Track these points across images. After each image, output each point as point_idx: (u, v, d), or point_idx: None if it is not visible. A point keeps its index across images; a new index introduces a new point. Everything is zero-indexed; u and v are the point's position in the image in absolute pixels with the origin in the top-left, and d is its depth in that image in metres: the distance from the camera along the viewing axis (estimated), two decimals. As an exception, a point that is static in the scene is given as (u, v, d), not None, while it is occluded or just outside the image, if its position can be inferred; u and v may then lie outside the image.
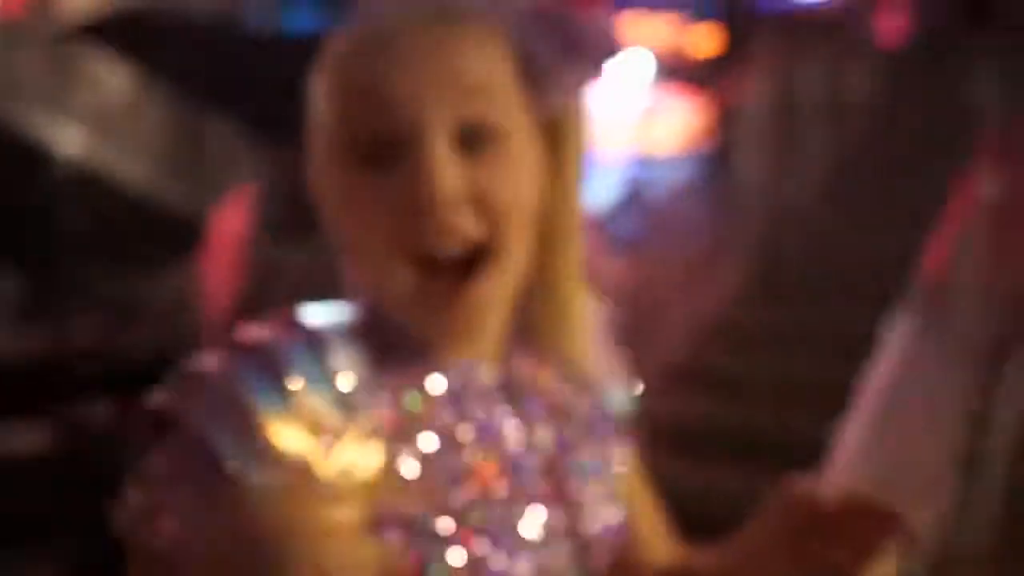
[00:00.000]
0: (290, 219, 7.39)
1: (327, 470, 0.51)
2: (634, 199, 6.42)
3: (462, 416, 0.60)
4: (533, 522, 0.60)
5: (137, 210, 7.54)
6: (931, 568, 2.29)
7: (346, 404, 0.53)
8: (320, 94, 0.59)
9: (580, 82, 0.62)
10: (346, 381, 0.53)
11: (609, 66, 0.61)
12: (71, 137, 7.36)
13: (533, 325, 0.66)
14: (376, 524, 0.54)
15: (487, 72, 0.58)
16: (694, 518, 0.96)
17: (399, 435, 0.57)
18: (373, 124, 0.56)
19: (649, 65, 7.46)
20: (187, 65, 8.04)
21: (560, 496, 0.63)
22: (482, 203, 0.56)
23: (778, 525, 0.62)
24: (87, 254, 6.69)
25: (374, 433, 0.53)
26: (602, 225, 6.09)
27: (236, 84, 8.37)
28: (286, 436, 0.50)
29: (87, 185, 7.25)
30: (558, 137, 0.63)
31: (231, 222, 7.19)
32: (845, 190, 4.92)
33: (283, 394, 0.51)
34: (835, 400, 2.88)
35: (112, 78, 7.78)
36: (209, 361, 0.53)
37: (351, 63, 0.58)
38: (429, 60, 0.56)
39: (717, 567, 0.70)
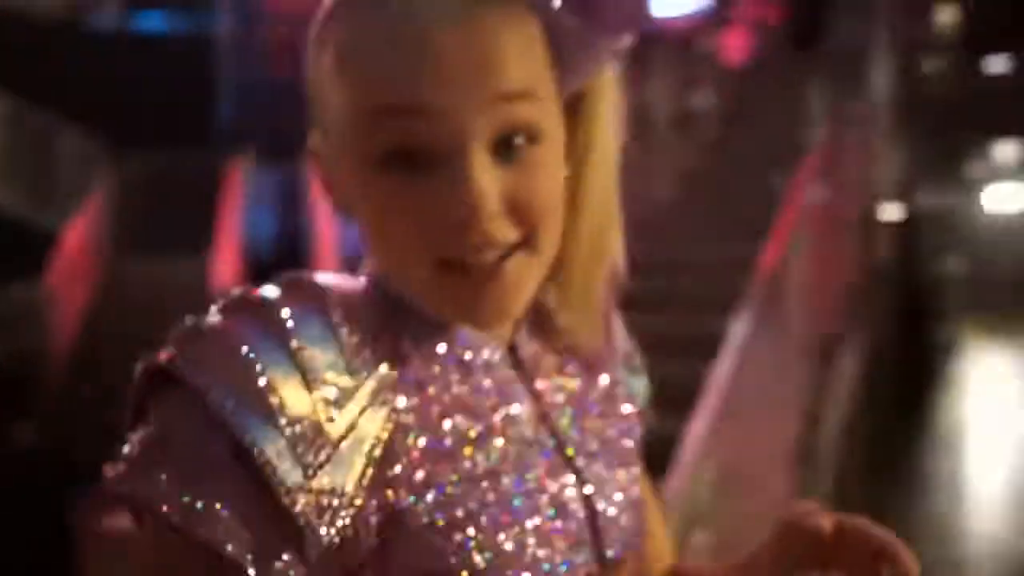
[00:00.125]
0: (141, 228, 7.12)
1: (331, 431, 0.50)
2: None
3: (472, 388, 0.58)
4: (544, 499, 0.58)
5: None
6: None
7: (350, 367, 0.52)
8: (336, 90, 0.54)
9: (608, 53, 0.57)
10: (350, 344, 0.53)
11: (636, 33, 0.57)
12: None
13: (552, 304, 0.63)
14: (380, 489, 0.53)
15: (527, 71, 0.54)
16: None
17: (402, 400, 0.55)
18: (405, 131, 0.52)
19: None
20: (30, 68, 7.62)
21: (571, 473, 0.61)
22: (519, 210, 0.54)
23: (780, 551, 0.61)
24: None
25: (378, 396, 0.53)
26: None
27: (82, 87, 7.98)
28: (289, 395, 0.50)
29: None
30: (584, 112, 0.60)
31: (79, 231, 6.85)
32: (691, 199, 5.16)
33: (287, 353, 0.51)
34: (682, 398, 3.02)
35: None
36: (212, 319, 0.53)
37: (376, 61, 0.52)
38: (468, 64, 0.52)
39: None
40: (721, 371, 3.05)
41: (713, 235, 4.51)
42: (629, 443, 0.68)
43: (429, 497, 0.53)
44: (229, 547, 0.48)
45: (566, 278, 0.62)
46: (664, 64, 5.86)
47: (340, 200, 0.59)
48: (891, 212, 5.50)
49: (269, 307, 0.53)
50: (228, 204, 6.81)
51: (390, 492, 0.52)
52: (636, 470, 0.67)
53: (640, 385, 0.73)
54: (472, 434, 0.57)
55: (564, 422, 0.63)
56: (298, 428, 0.50)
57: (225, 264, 6.26)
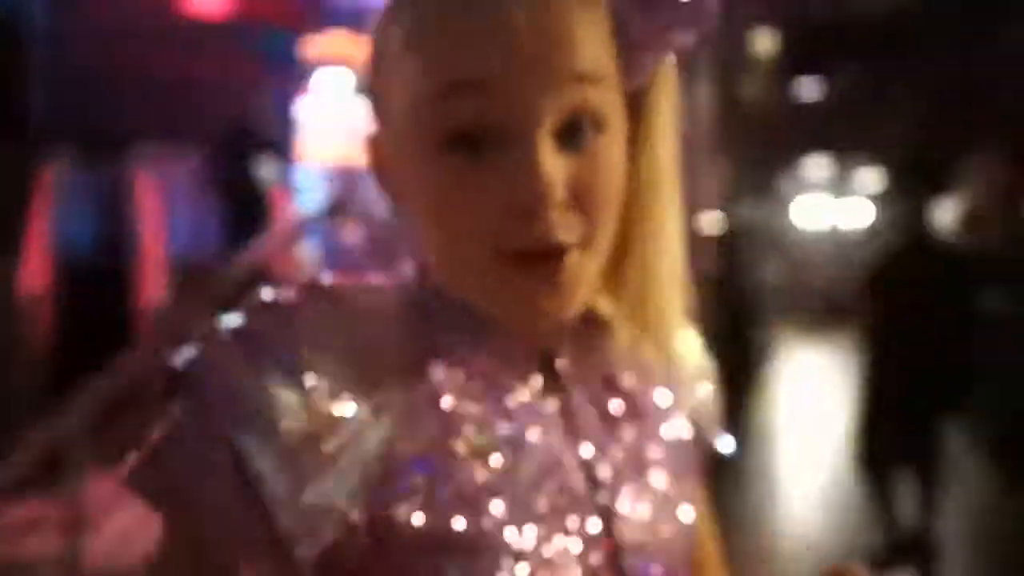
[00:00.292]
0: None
1: (329, 444, 0.50)
2: (339, 211, 6.41)
3: (492, 402, 0.56)
4: (557, 524, 0.56)
5: None
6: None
7: (359, 380, 0.51)
8: (403, 71, 0.53)
9: (675, 45, 0.56)
10: (361, 357, 0.52)
11: (705, 29, 0.56)
12: None
13: (606, 314, 0.61)
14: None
15: (596, 53, 0.53)
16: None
17: (425, 412, 0.54)
18: (474, 110, 0.51)
19: (355, 83, 7.50)
20: None
21: (593, 497, 0.58)
22: (582, 199, 0.53)
23: None
24: None
25: (385, 409, 0.52)
26: (308, 235, 6.02)
27: None
28: (291, 408, 0.49)
29: None
30: (644, 108, 0.58)
31: None
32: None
33: (295, 364, 0.50)
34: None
35: None
36: (236, 322, 0.52)
37: (448, 38, 0.51)
38: (540, 42, 0.50)
39: None
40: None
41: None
42: (677, 468, 0.63)
43: (424, 514, 0.53)
44: (217, 549, 0.49)
45: (623, 284, 0.60)
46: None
47: (396, 191, 0.58)
48: (713, 225, 5.82)
49: (287, 316, 0.52)
50: (39, 206, 6.35)
51: (385, 505, 0.52)
52: (682, 497, 0.63)
53: (708, 406, 0.70)
54: (481, 451, 0.55)
55: (597, 442, 0.60)
56: (295, 440, 0.49)
57: (34, 269, 5.83)
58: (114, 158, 6.08)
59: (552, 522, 0.56)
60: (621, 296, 0.61)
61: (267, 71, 6.81)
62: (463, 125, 0.51)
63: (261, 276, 5.30)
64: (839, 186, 13.07)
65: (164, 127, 5.90)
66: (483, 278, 0.54)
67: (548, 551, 0.55)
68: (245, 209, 5.94)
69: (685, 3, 0.54)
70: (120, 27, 5.77)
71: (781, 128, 9.79)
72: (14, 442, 3.20)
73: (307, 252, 5.85)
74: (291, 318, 0.52)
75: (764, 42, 8.82)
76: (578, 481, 0.58)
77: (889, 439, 3.75)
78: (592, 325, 0.62)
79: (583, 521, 0.57)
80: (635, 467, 0.61)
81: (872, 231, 11.80)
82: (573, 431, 0.59)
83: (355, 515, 0.51)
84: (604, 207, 0.54)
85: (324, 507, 0.49)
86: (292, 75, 7.15)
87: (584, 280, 0.55)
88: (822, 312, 10.86)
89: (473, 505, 0.53)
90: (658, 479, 0.62)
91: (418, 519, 0.52)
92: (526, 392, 0.58)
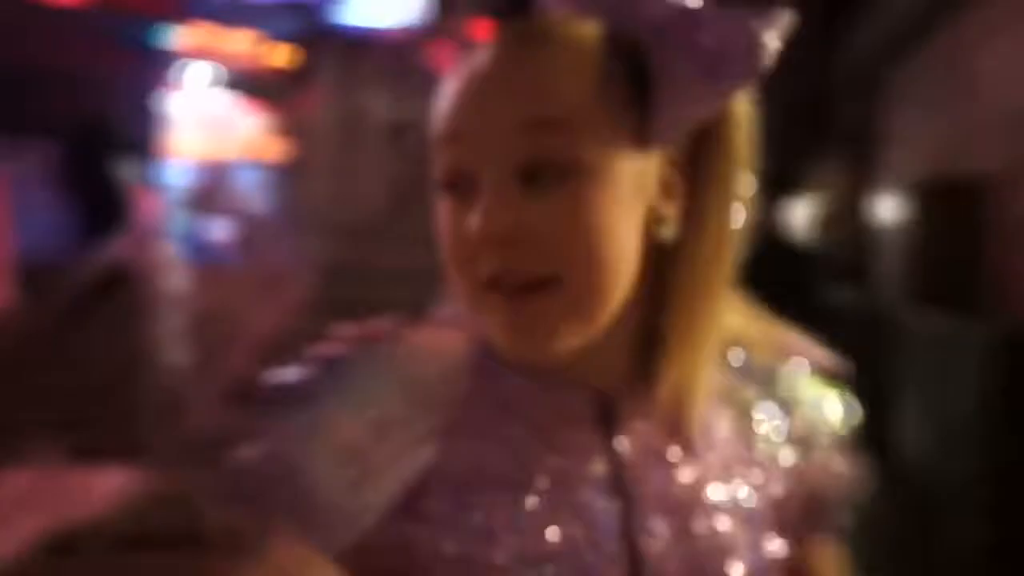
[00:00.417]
0: None
1: (373, 457, 0.51)
2: (204, 205, 6.23)
3: (528, 435, 0.59)
4: (581, 564, 0.56)
5: None
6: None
7: (408, 404, 0.52)
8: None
9: (720, 96, 0.56)
10: (414, 385, 0.53)
11: (750, 78, 0.55)
12: None
13: (663, 349, 0.60)
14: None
15: (568, 104, 0.54)
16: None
17: (467, 444, 0.58)
18: (451, 158, 0.57)
19: (222, 77, 7.30)
20: None
21: (631, 542, 0.58)
22: (542, 244, 0.54)
23: None
24: None
25: (425, 433, 0.53)
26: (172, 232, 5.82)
27: None
28: (343, 424, 0.50)
29: None
30: (697, 154, 0.59)
31: None
32: (402, 207, 5.28)
33: (357, 384, 0.52)
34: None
35: None
36: (323, 348, 0.55)
37: (444, 95, 0.58)
38: (502, 92, 0.55)
39: None
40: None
41: (425, 242, 4.63)
42: (754, 504, 0.62)
43: (448, 542, 0.56)
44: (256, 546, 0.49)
45: (668, 328, 0.60)
46: (377, 74, 5.93)
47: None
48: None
49: (361, 346, 0.54)
50: None
51: (409, 527, 0.56)
52: (748, 544, 0.61)
53: (831, 471, 0.66)
54: (511, 482, 0.57)
55: (649, 486, 0.59)
56: (344, 454, 0.50)
57: None
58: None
59: (573, 561, 0.57)
60: (665, 337, 0.61)
61: (129, 63, 6.52)
62: (446, 172, 0.57)
63: (118, 275, 5.10)
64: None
65: (15, 119, 5.56)
66: (473, 307, 0.58)
67: None
68: (102, 207, 5.66)
69: (728, 59, 0.55)
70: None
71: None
72: None
73: (170, 250, 5.65)
74: (353, 356, 0.54)
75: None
76: (613, 530, 0.59)
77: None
78: (644, 364, 0.61)
79: (610, 557, 0.58)
80: (684, 514, 0.60)
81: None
82: (618, 478, 0.60)
83: (380, 527, 0.52)
84: (572, 252, 0.55)
85: (356, 512, 0.51)
86: (156, 68, 6.89)
87: (554, 324, 0.56)
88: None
89: (493, 540, 0.56)
90: (723, 523, 0.61)
91: (448, 546, 0.56)
92: (566, 432, 0.60)
